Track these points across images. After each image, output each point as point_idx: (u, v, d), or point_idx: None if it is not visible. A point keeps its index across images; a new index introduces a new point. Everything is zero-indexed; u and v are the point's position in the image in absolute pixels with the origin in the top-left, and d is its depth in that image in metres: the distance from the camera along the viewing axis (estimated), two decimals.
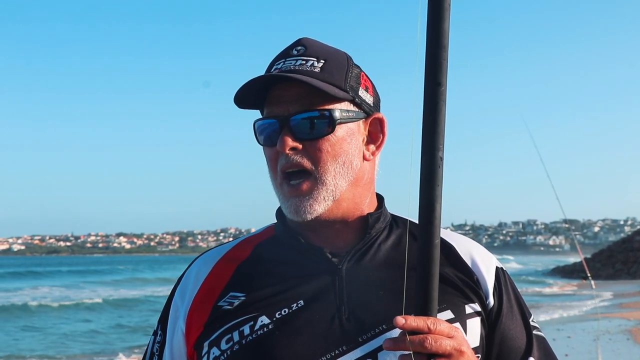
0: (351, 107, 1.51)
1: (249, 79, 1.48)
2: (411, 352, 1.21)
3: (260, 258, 1.55)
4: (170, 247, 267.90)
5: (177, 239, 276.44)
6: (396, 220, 1.60)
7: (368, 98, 1.55)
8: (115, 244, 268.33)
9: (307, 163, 1.47)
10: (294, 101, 1.48)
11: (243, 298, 1.48)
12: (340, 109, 1.49)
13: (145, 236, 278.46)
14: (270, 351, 1.41)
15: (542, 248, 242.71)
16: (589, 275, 9.75)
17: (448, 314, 1.45)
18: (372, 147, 1.56)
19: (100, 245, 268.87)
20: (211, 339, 1.46)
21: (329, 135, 1.48)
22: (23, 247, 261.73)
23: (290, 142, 1.46)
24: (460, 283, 1.51)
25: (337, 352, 1.40)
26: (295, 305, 1.45)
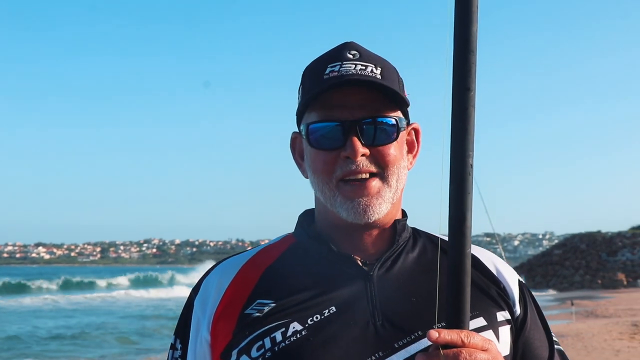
0: (401, 115, 1.52)
1: (325, 84, 1.45)
2: None
3: (286, 264, 1.52)
4: (91, 258, 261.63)
5: (98, 249, 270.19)
6: (417, 231, 1.61)
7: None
8: (34, 255, 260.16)
9: (374, 168, 1.47)
10: (359, 107, 1.46)
11: (273, 305, 1.44)
12: (399, 117, 1.51)
13: (65, 246, 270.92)
14: (306, 357, 1.37)
15: None
16: None
17: (480, 321, 1.43)
18: (409, 156, 1.58)
19: (17, 255, 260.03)
20: (241, 346, 1.41)
21: (395, 142, 1.49)
22: None
23: (361, 148, 1.45)
24: (490, 290, 1.51)
25: (374, 357, 1.37)
26: (327, 311, 1.42)
